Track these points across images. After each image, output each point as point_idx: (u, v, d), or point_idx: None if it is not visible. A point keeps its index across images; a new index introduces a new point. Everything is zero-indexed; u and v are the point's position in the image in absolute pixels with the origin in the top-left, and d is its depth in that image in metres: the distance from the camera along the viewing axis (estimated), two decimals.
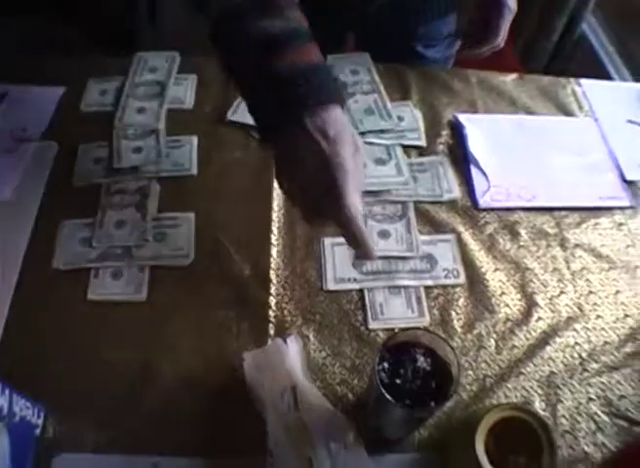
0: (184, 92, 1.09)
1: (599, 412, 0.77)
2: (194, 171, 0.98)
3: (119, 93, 1.08)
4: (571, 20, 1.88)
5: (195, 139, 1.02)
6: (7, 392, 0.65)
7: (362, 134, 1.02)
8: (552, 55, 1.95)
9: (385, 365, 0.63)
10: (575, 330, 0.84)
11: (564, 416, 0.77)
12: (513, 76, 1.17)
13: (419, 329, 0.65)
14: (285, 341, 0.74)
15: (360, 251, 0.68)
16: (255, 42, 0.69)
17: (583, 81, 1.18)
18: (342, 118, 0.70)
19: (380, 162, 0.98)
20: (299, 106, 0.67)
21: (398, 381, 0.63)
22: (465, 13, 1.17)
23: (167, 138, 1.01)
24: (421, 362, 0.64)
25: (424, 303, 0.85)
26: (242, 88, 0.74)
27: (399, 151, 1.01)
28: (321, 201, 0.69)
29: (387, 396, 0.59)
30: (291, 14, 0.72)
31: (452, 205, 0.96)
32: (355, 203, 0.66)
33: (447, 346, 0.63)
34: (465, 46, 1.18)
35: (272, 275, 0.86)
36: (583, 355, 0.82)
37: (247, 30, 0.69)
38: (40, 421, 0.72)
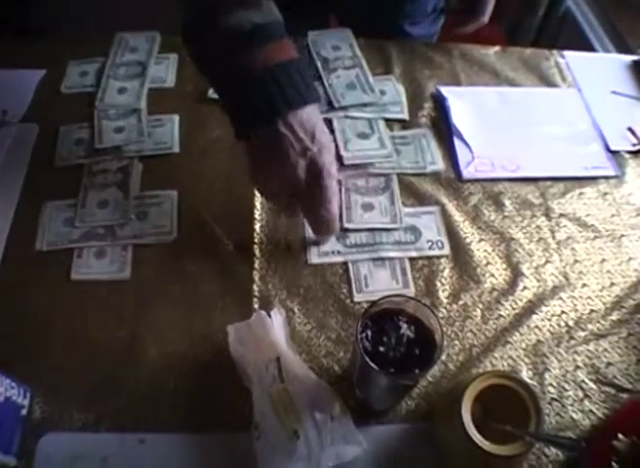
0: (165, 71, 1.08)
1: (586, 380, 0.77)
2: (176, 149, 0.97)
3: (100, 74, 1.07)
4: None
5: (177, 118, 1.01)
6: None
7: (344, 108, 1.02)
8: (538, 31, 1.94)
9: (368, 333, 0.63)
10: (561, 298, 0.84)
11: (551, 384, 0.77)
12: (496, 48, 1.16)
13: (401, 296, 0.64)
14: (269, 314, 0.73)
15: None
16: (231, 37, 0.69)
17: (567, 53, 1.17)
18: (320, 117, 0.74)
19: (362, 136, 0.98)
20: (282, 102, 0.69)
21: (382, 349, 0.62)
22: None
23: (148, 118, 1.01)
24: (405, 329, 0.63)
25: (409, 275, 0.84)
26: (217, 84, 0.75)
27: (382, 125, 1.00)
28: (305, 200, 0.76)
29: (371, 363, 0.59)
30: (267, 6, 0.72)
31: (435, 177, 0.96)
32: (337, 207, 0.75)
33: (430, 313, 0.62)
34: (454, 23, 1.18)
35: (256, 250, 0.86)
36: (570, 323, 0.82)
37: (223, 24, 0.69)
38: (26, 401, 0.72)
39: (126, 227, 0.87)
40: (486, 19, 1.10)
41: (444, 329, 0.73)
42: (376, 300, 0.63)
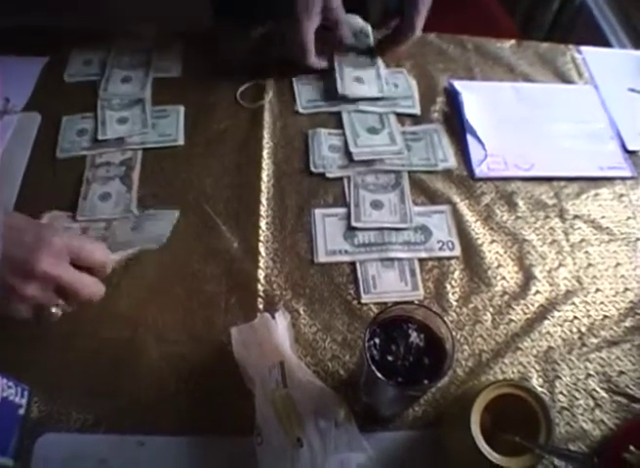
0: (171, 60, 1.06)
1: (598, 389, 0.76)
2: (181, 141, 0.95)
3: (104, 62, 1.05)
4: None
5: (182, 109, 0.99)
6: None
7: (354, 101, 1.00)
8: (552, 24, 1.91)
9: (376, 340, 0.61)
10: (573, 303, 0.82)
11: (562, 393, 0.75)
12: (511, 42, 1.14)
13: (411, 303, 0.62)
14: (273, 316, 0.71)
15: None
16: None
17: (583, 48, 1.14)
18: None
19: (372, 131, 0.96)
20: None
21: (390, 358, 0.60)
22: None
23: (153, 108, 0.98)
24: (414, 337, 0.61)
25: (418, 276, 0.82)
26: None
27: (393, 119, 0.98)
28: None
29: (378, 374, 0.57)
30: None
31: (447, 174, 0.93)
32: None
33: (441, 321, 0.60)
34: (385, 42, 1.07)
35: (261, 248, 0.84)
36: (582, 329, 0.80)
37: None
38: (24, 401, 0.70)
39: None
40: (418, 32, 1.01)
41: (453, 333, 0.72)
42: (384, 307, 0.61)
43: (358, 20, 1.07)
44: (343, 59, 1.03)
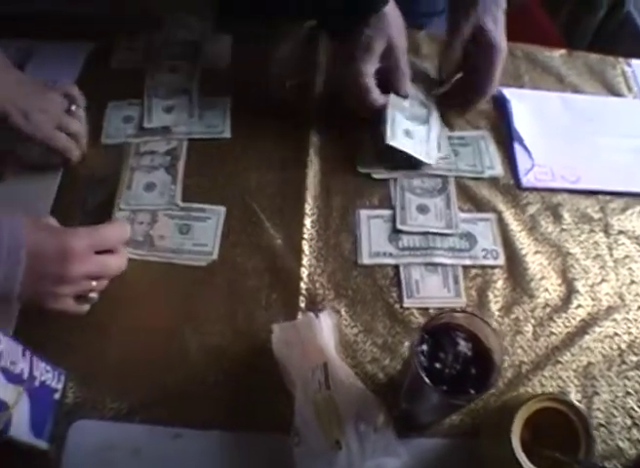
0: (219, 51, 1.05)
1: (635, 407, 0.75)
2: (228, 134, 0.94)
3: (151, 50, 1.05)
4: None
5: (229, 100, 0.98)
6: (27, 355, 0.64)
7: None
8: (595, 34, 1.89)
9: (425, 347, 0.60)
10: (615, 320, 0.81)
11: (599, 409, 0.74)
12: (561, 52, 1.12)
13: (462, 311, 0.61)
14: (317, 316, 0.71)
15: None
16: None
17: (634, 61, 1.13)
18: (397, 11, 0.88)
19: None
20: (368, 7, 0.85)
21: (438, 365, 0.60)
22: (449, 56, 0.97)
23: (200, 99, 0.98)
24: (463, 346, 0.61)
25: (462, 283, 0.82)
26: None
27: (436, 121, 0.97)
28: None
29: (427, 380, 0.57)
30: None
31: (493, 182, 0.93)
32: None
33: (490, 331, 0.60)
34: (452, 96, 1.00)
35: (305, 246, 0.84)
36: (623, 346, 0.79)
37: None
38: (60, 386, 0.70)
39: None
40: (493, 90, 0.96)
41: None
42: (435, 314, 0.60)
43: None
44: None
